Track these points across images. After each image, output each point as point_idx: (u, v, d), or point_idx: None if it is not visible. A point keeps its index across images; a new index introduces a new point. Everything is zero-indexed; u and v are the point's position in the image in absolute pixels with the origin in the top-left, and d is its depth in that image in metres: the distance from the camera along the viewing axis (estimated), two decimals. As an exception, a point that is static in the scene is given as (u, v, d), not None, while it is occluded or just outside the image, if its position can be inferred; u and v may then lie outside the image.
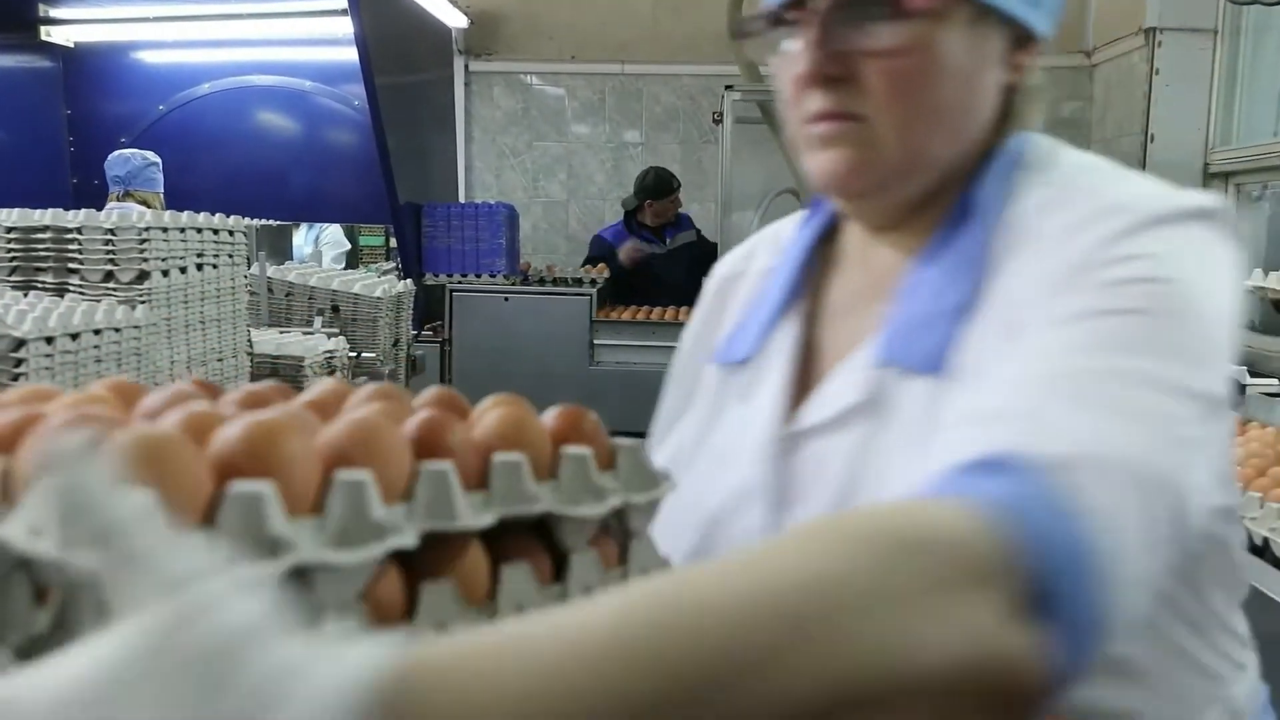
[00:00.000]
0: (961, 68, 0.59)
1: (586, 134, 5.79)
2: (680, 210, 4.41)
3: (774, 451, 0.61)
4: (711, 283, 0.77)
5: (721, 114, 3.89)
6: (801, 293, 0.68)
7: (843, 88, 0.58)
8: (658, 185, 4.27)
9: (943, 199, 0.62)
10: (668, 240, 4.29)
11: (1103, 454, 0.42)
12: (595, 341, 3.54)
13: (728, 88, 3.88)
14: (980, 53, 0.59)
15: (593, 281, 3.81)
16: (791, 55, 0.60)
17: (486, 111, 5.85)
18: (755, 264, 0.75)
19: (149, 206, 3.56)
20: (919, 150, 0.59)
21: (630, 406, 3.48)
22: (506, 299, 3.58)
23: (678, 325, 3.53)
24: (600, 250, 4.29)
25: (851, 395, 0.59)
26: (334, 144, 4.45)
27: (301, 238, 4.97)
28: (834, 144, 0.59)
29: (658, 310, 3.80)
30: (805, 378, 0.64)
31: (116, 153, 3.77)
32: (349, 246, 5.14)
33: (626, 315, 3.71)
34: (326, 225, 4.89)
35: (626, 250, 4.05)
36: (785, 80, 0.61)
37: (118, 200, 3.69)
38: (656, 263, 4.20)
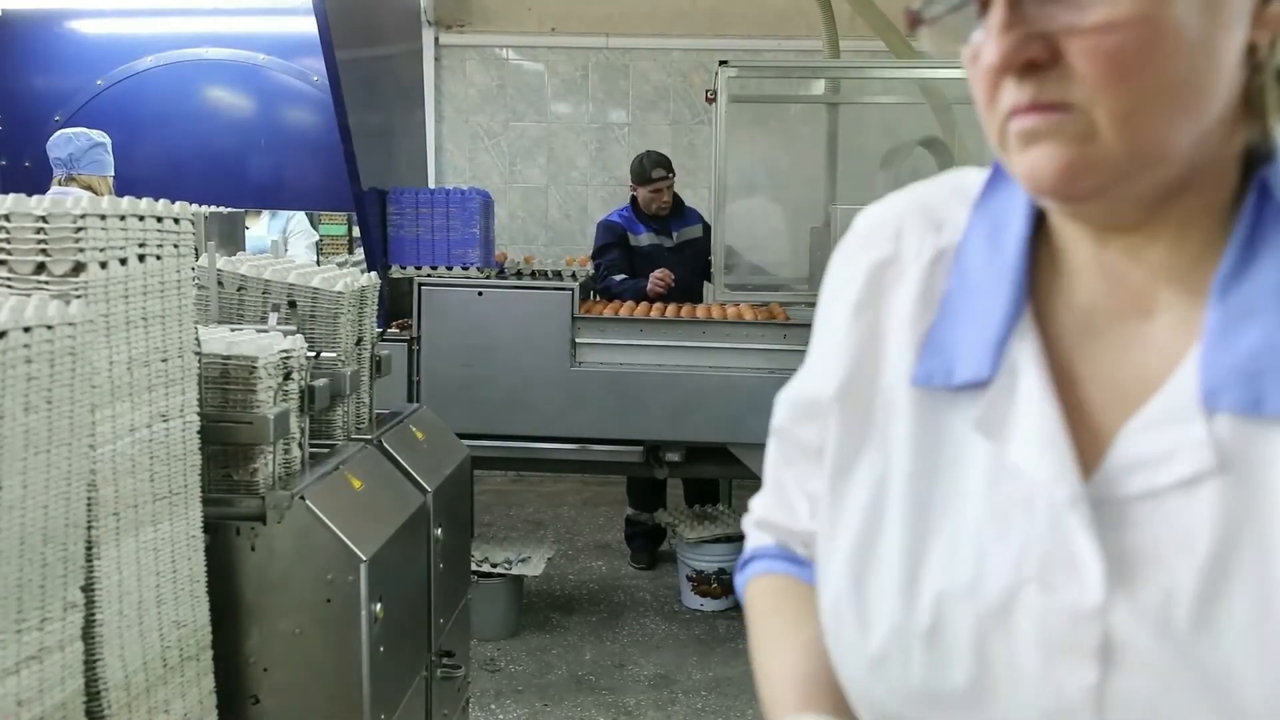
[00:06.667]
0: (1195, 33, 0.52)
1: (568, 113, 5.79)
2: (686, 204, 4.41)
3: (1094, 517, 0.55)
4: (858, 272, 0.68)
5: (716, 92, 3.90)
6: (1025, 302, 0.61)
7: (1044, 73, 0.53)
8: (637, 170, 4.28)
9: (1194, 194, 0.56)
10: (674, 235, 4.30)
11: None
12: (577, 340, 3.54)
13: (722, 63, 3.88)
14: (1220, 10, 0.52)
15: (574, 275, 3.81)
16: (976, 44, 0.55)
17: (459, 89, 5.85)
18: (907, 246, 0.66)
19: (95, 192, 3.54)
20: (1148, 141, 0.53)
21: (615, 411, 3.52)
22: (480, 294, 3.57)
23: (667, 323, 3.57)
24: (612, 236, 4.28)
25: (1203, 454, 0.53)
26: (291, 124, 4.43)
27: (264, 227, 4.95)
28: (1040, 140, 0.54)
29: (642, 306, 3.79)
30: (1066, 412, 0.58)
31: (60, 132, 3.74)
32: (317, 236, 5.12)
33: (609, 311, 3.71)
34: (294, 213, 4.87)
35: (656, 279, 4.03)
36: (975, 76, 0.56)
37: (60, 185, 3.67)
38: (663, 258, 4.21)
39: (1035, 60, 0.53)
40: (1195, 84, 0.53)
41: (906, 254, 0.66)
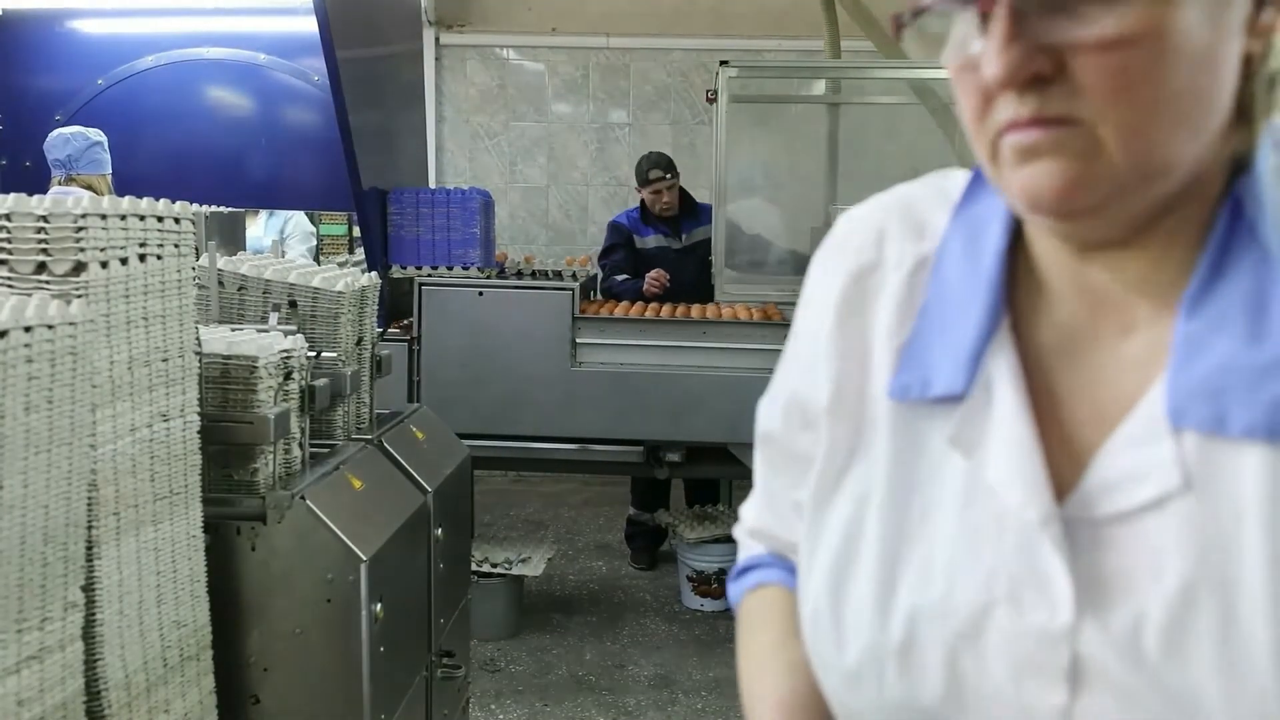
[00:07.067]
0: (1201, 46, 0.51)
1: (568, 113, 5.79)
2: (699, 202, 4.37)
3: (1067, 538, 0.55)
4: (839, 278, 0.67)
5: (716, 92, 3.90)
6: (1003, 314, 0.60)
7: (1048, 87, 0.51)
8: (638, 171, 4.26)
9: (1183, 206, 0.55)
10: (683, 236, 4.26)
11: None
12: (578, 340, 3.54)
13: (723, 63, 3.89)
14: (1222, 22, 0.51)
15: (574, 275, 3.80)
16: (971, 55, 0.53)
17: (459, 88, 5.85)
18: (889, 253, 0.65)
19: (95, 191, 3.54)
20: (1153, 156, 0.52)
21: (616, 411, 3.52)
22: (480, 293, 3.57)
23: (667, 323, 3.57)
24: (619, 237, 4.27)
25: (1170, 475, 0.53)
26: (291, 124, 4.43)
27: (261, 227, 4.95)
28: (1044, 155, 0.52)
29: (638, 306, 3.78)
30: (1041, 430, 0.58)
31: (56, 132, 3.74)
32: (315, 242, 5.12)
33: (605, 311, 3.71)
34: (291, 213, 4.87)
35: (653, 281, 4.02)
36: (966, 87, 0.55)
37: (60, 185, 3.67)
38: (669, 260, 4.18)
39: (1040, 74, 0.51)
40: (1200, 96, 0.52)
41: (888, 261, 0.65)
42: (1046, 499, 0.55)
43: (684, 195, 4.31)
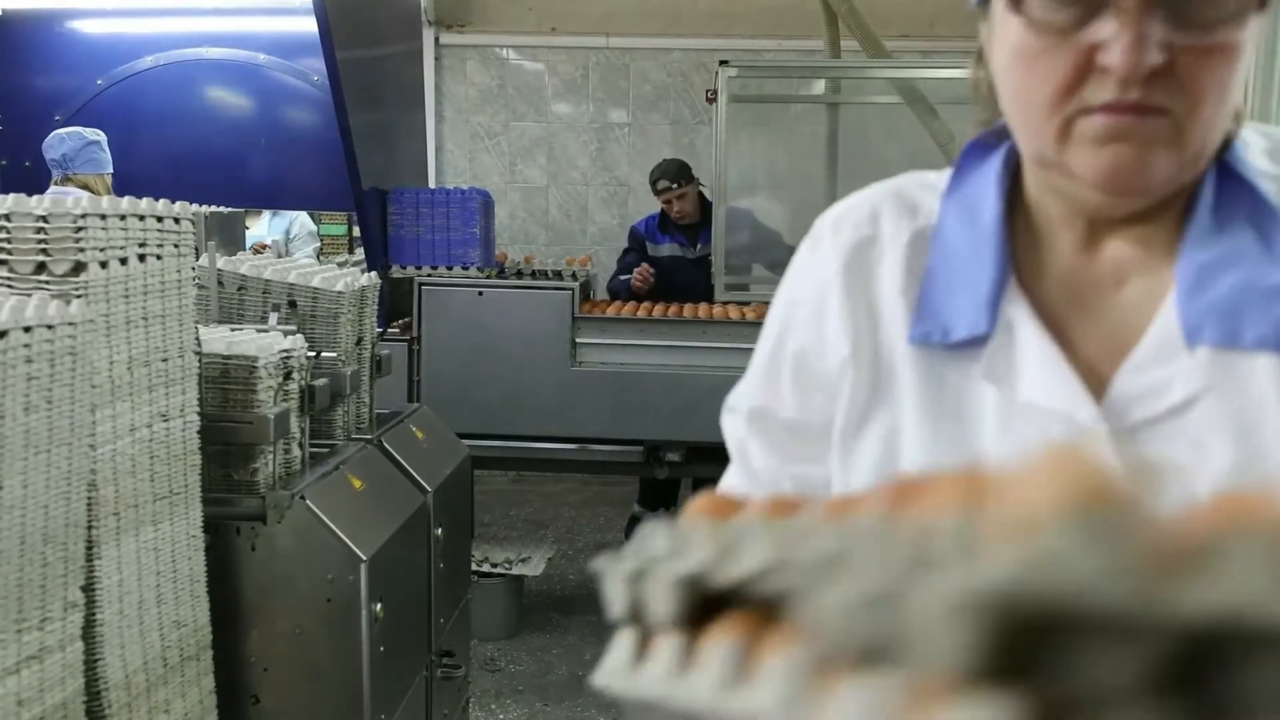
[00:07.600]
0: (1250, 54, 0.60)
1: (568, 113, 5.79)
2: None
3: (1113, 439, 0.61)
4: (837, 252, 0.71)
5: (716, 92, 3.90)
6: (1009, 269, 0.66)
7: (1155, 80, 0.57)
8: (652, 179, 4.20)
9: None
10: (698, 246, 4.18)
11: None
12: (578, 340, 3.54)
13: (723, 63, 3.89)
14: (1258, 33, 0.60)
15: (574, 275, 3.80)
16: (1087, 37, 0.58)
17: (459, 88, 5.85)
18: (885, 228, 0.71)
19: (93, 191, 3.54)
20: (1208, 145, 0.60)
21: (616, 411, 3.52)
22: (480, 293, 3.57)
23: (668, 323, 3.57)
24: (634, 242, 4.24)
25: (1195, 380, 0.60)
26: (291, 123, 4.43)
27: (265, 228, 4.94)
28: (1130, 139, 0.58)
29: (632, 305, 3.77)
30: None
31: (54, 133, 3.74)
32: (319, 244, 5.13)
33: (611, 311, 3.71)
34: (296, 214, 4.86)
35: (637, 275, 3.99)
36: (1054, 61, 0.59)
37: (57, 185, 3.67)
38: (682, 268, 4.13)
39: (1156, 69, 0.57)
40: (1239, 95, 0.61)
41: (885, 236, 0.70)
42: (1090, 403, 0.62)
43: (705, 204, 4.18)
